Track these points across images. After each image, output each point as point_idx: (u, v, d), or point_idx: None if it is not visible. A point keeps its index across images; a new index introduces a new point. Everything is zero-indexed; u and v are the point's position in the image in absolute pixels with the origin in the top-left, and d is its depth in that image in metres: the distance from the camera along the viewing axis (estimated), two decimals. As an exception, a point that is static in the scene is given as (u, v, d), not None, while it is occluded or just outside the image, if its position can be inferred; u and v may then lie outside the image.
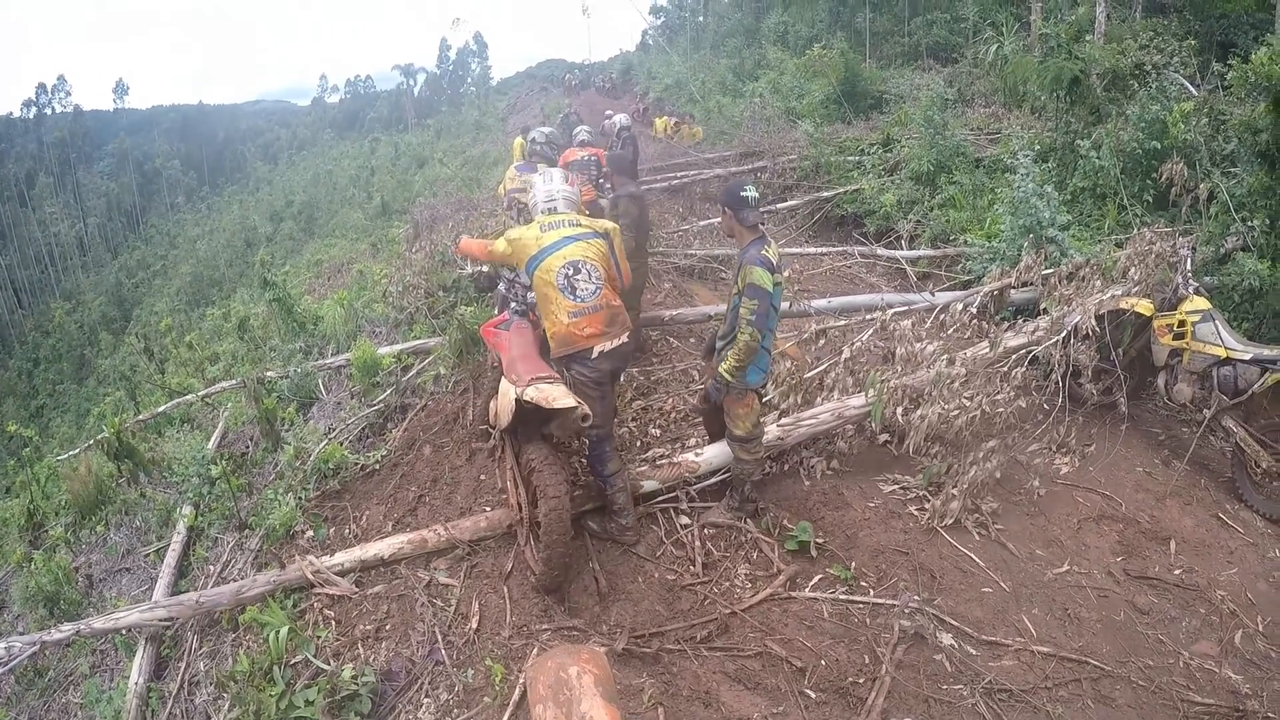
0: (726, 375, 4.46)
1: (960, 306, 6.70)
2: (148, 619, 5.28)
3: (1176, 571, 4.73)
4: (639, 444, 5.87)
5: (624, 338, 4.42)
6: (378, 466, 6.15)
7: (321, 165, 65.97)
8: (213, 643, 5.21)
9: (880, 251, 9.66)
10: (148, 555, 6.73)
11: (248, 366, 10.02)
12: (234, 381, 9.38)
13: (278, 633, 4.25)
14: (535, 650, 4.06)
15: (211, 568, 6.01)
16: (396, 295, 8.79)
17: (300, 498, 5.93)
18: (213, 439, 8.15)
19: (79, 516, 7.65)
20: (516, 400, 4.03)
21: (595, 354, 4.32)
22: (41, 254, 66.25)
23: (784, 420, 5.32)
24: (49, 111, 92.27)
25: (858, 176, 11.85)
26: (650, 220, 6.39)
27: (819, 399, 5.65)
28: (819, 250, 10.05)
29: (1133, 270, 6.15)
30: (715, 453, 5.13)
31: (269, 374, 8.29)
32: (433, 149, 49.19)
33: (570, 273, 4.31)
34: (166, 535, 6.73)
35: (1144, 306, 5.88)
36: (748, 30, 36.14)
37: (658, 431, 5.86)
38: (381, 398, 6.88)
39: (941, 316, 6.60)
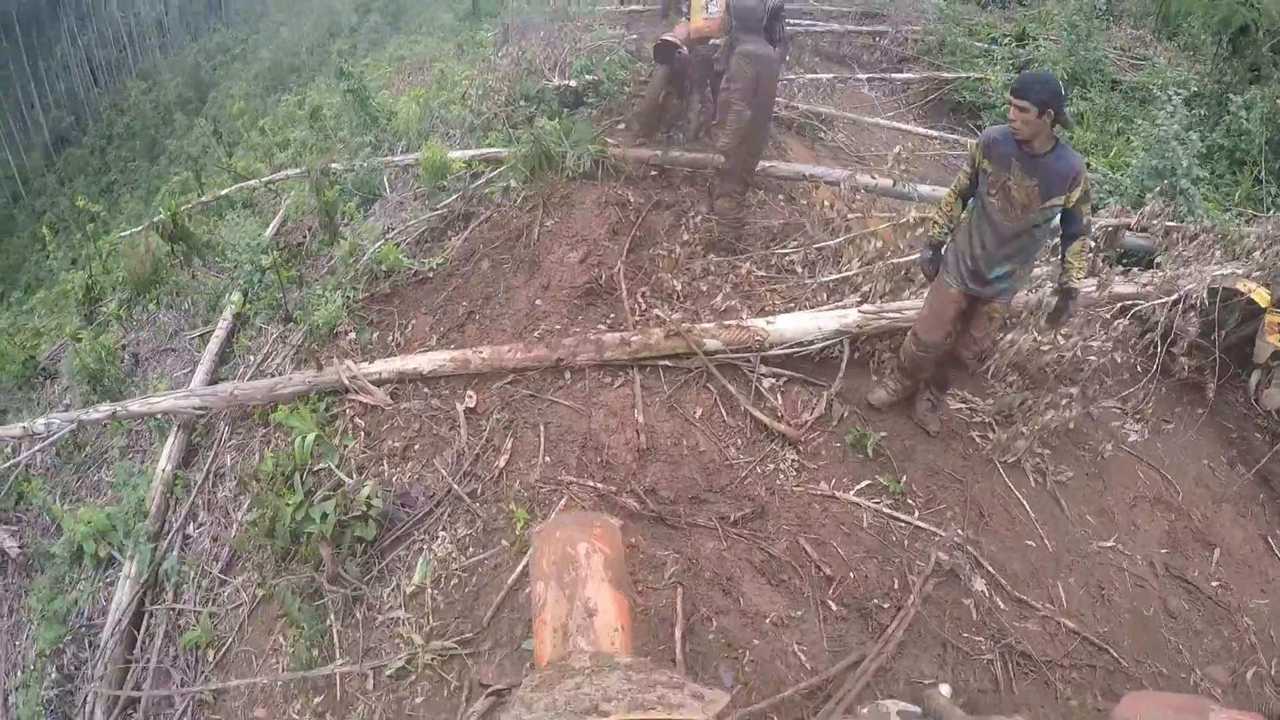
0: (1077, 284, 3.97)
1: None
2: (182, 406, 5.27)
3: (1214, 584, 4.36)
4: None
5: (723, 39, 6.05)
6: (431, 274, 5.90)
7: (417, -41, 63.19)
8: (243, 436, 5.19)
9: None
10: (193, 339, 6.71)
11: (315, 156, 9.79)
12: (299, 170, 9.17)
13: (304, 438, 4.15)
14: (563, 501, 3.92)
15: (252, 357, 5.96)
16: (476, 99, 8.33)
17: (349, 297, 5.76)
18: (271, 226, 8.01)
19: (134, 293, 7.67)
20: (661, 40, 6.71)
21: (709, 42, 6.40)
22: (120, 34, 65.18)
23: (867, 306, 4.87)
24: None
25: (984, 65, 10.74)
26: (774, 89, 5.73)
27: (907, 292, 5.17)
28: (929, 132, 9.10)
29: (1257, 253, 5.46)
30: (789, 324, 4.75)
31: (334, 165, 8.02)
32: (534, -44, 46.63)
33: (708, 2, 6.29)
34: (213, 320, 6.66)
35: (1260, 295, 5.20)
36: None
37: (730, 288, 5.42)
38: (446, 202, 6.55)
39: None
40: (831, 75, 10.16)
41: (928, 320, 4.24)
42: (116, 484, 5.28)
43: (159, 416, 5.45)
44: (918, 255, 4.74)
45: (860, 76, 10.52)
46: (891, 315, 4.76)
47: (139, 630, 4.53)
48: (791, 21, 12.14)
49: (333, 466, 4.20)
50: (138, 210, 25.10)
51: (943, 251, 4.14)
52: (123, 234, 11.08)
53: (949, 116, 10.40)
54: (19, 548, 5.61)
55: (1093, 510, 4.52)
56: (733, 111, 5.41)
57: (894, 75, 10.65)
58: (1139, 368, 5.29)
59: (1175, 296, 5.21)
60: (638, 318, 5.15)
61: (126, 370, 6.77)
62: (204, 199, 10.63)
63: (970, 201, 4.01)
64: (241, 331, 6.42)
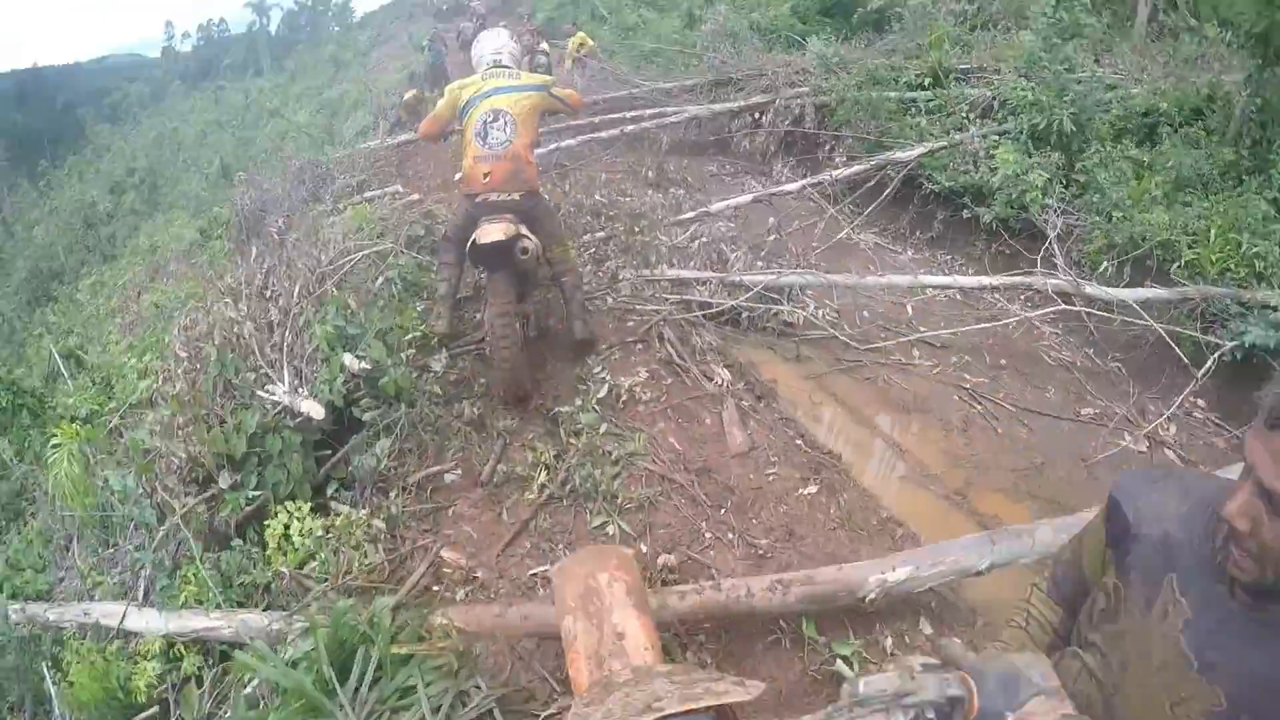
0: None
1: None
2: None
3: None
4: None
5: (517, 196, 4.27)
6: None
7: (166, 124, 57.79)
8: None
9: (1090, 290, 4.92)
10: None
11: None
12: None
13: None
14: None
15: None
16: (160, 464, 4.04)
17: None
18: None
19: None
20: (474, 244, 4.18)
21: (480, 200, 4.28)
22: None
23: None
24: None
25: (928, 128, 7.47)
26: None
27: None
28: (983, 280, 5.32)
29: None
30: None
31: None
32: (286, 94, 42.78)
33: (489, 119, 4.30)
34: None
35: None
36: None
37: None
38: None
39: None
40: (750, 197, 6.61)
41: None
42: None
43: None
44: None
45: (786, 187, 7.02)
46: None
47: None
48: (635, 113, 8.99)
49: None
50: None
51: None
52: None
53: (912, 213, 7.17)
54: None
55: None
56: None
57: (836, 174, 7.07)
58: None
59: None
60: None
61: None
62: None
63: None
64: None
